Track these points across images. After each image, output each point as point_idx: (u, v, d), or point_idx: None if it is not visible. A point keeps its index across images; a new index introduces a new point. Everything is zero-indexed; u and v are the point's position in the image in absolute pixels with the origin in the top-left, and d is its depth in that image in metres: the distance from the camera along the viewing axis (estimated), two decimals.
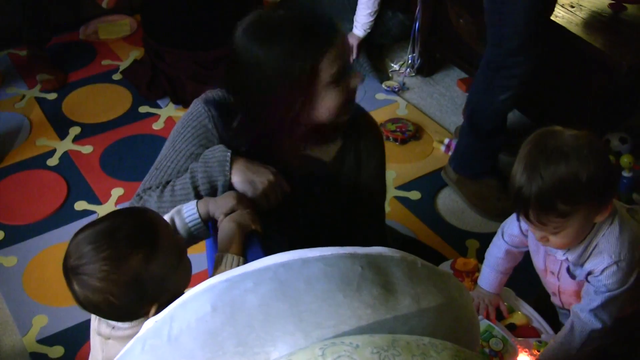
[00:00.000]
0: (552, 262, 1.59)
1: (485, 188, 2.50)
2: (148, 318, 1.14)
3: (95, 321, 1.23)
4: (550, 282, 1.65)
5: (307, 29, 1.34)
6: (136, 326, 1.16)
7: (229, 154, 1.37)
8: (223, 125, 1.46)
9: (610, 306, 1.48)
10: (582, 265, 1.49)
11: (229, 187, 1.40)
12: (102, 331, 1.21)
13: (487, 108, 2.34)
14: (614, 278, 1.45)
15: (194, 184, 1.35)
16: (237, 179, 1.37)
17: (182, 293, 1.20)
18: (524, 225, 1.64)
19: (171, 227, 1.21)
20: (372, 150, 1.64)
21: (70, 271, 1.11)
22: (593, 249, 1.46)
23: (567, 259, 1.51)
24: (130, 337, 1.15)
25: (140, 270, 1.09)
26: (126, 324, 1.17)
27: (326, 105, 1.39)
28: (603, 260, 1.44)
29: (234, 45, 1.38)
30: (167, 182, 1.39)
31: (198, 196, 1.35)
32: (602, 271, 1.45)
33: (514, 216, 1.67)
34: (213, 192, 1.36)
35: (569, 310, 1.68)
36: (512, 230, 1.67)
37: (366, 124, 1.64)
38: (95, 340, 1.25)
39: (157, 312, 1.12)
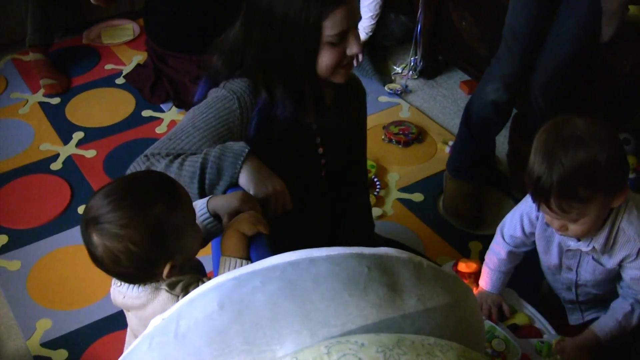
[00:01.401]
0: (569, 257, 1.59)
1: (457, 188, 2.49)
2: (160, 282, 1.15)
3: (111, 290, 1.24)
4: (566, 277, 1.65)
5: None
6: (144, 296, 1.16)
7: (246, 150, 1.37)
8: (252, 100, 1.50)
9: None
10: (610, 252, 1.51)
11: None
12: (116, 300, 1.22)
13: (479, 96, 2.36)
14: None
15: (203, 166, 1.35)
16: (244, 177, 1.36)
17: (192, 257, 1.22)
18: (528, 227, 1.64)
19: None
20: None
21: (90, 222, 1.10)
22: (616, 234, 1.48)
23: (593, 248, 1.51)
24: (140, 307, 1.17)
25: (161, 219, 1.10)
26: (134, 292, 1.17)
27: (324, 62, 1.48)
28: (635, 243, 1.47)
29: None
30: (178, 155, 1.38)
31: (203, 179, 1.35)
32: (638, 253, 1.47)
33: (513, 217, 1.67)
34: (218, 181, 1.37)
35: (580, 305, 1.69)
36: (513, 231, 1.68)
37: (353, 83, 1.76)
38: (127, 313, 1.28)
39: (170, 273, 1.14)
